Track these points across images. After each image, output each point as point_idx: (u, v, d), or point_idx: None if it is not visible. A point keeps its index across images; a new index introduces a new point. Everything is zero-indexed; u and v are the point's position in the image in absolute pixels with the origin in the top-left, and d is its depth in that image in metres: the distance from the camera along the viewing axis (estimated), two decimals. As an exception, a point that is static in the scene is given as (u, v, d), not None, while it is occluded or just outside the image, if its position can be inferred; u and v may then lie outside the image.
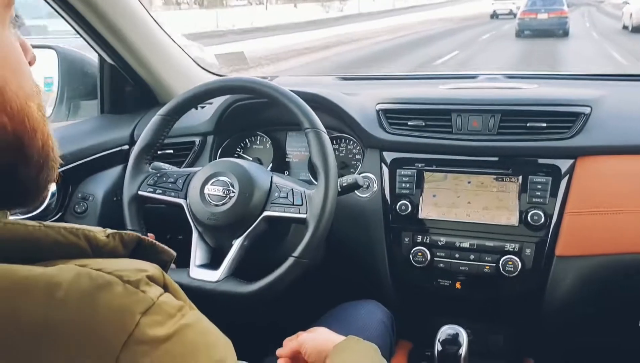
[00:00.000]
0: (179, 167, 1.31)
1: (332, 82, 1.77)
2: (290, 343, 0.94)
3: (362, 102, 1.40)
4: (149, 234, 1.13)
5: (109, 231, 0.50)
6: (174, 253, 0.56)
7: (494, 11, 27.58)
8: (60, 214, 1.34)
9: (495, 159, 1.26)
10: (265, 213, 1.08)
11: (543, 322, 1.30)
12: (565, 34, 16.60)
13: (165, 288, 0.47)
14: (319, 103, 1.32)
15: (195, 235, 1.14)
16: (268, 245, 1.15)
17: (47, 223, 0.47)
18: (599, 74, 1.65)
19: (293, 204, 1.07)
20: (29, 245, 0.44)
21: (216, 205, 1.10)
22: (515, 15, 24.50)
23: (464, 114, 1.28)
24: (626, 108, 1.30)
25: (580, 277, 1.20)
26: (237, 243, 1.09)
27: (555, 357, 1.42)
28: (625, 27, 17.47)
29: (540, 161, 1.23)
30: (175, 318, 0.44)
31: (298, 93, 1.14)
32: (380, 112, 1.35)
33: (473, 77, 1.65)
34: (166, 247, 0.55)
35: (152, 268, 0.47)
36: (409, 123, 1.31)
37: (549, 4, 17.23)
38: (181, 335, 0.44)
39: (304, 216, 1.05)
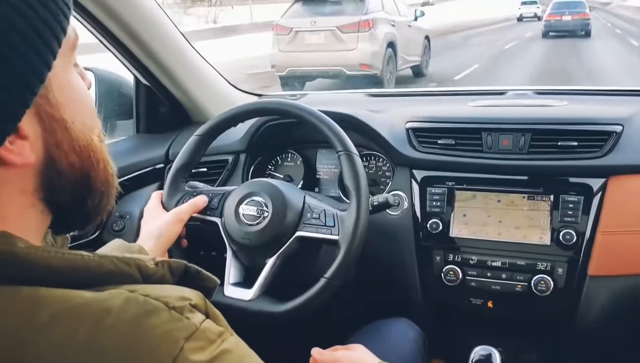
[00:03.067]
0: (213, 185, 1.34)
1: (360, 99, 1.79)
2: (327, 355, 0.95)
3: (391, 120, 1.41)
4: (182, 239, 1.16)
5: (158, 259, 0.53)
6: (218, 281, 0.58)
7: (521, 14, 30.04)
8: (98, 232, 1.37)
9: (526, 178, 1.26)
10: (298, 233, 1.10)
11: (575, 341, 1.29)
12: (588, 34, 17.95)
13: (207, 315, 0.49)
14: (349, 122, 1.34)
15: (229, 254, 1.16)
16: (300, 265, 1.17)
17: (101, 253, 0.49)
18: (630, 90, 1.63)
19: (325, 225, 1.08)
20: (84, 274, 0.47)
21: (250, 225, 1.12)
22: (540, 18, 26.94)
23: (494, 133, 1.29)
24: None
25: (613, 297, 1.19)
26: (269, 263, 1.11)
27: None
28: None
29: (572, 179, 1.23)
30: (216, 344, 0.46)
31: (328, 113, 1.16)
32: (410, 131, 1.36)
33: (502, 93, 1.65)
34: (211, 275, 0.57)
35: (195, 296, 0.49)
36: (439, 142, 1.32)
37: (573, 7, 18.77)
38: (221, 360, 0.45)
39: (335, 237, 1.06)
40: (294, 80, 8.82)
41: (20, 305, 0.43)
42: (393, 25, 9.02)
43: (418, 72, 10.35)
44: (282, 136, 1.49)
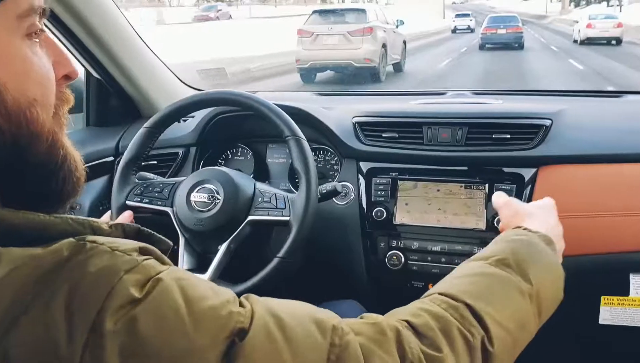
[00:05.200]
0: (164, 178, 1.36)
1: (310, 98, 1.85)
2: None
3: (339, 115, 1.48)
4: None
5: (111, 222, 0.55)
6: (171, 243, 0.60)
7: (455, 27, 32.02)
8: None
9: (464, 168, 1.34)
10: (250, 217, 1.14)
11: None
12: (521, 47, 19.34)
13: (162, 262, 0.51)
14: (299, 116, 1.39)
15: (182, 242, 1.18)
16: (253, 249, 1.21)
17: (57, 214, 0.51)
18: (560, 91, 1.76)
19: (276, 207, 1.13)
20: (41, 232, 0.48)
21: (202, 211, 1.15)
22: (472, 30, 30.15)
23: (434, 127, 1.37)
24: (584, 121, 1.40)
25: None
26: (223, 247, 1.14)
27: (521, 357, 1.49)
28: (575, 41, 21.27)
29: (505, 169, 1.32)
30: (156, 277, 0.48)
31: (279, 106, 1.21)
32: (356, 124, 1.43)
33: (442, 93, 1.75)
34: (163, 237, 0.59)
35: (147, 246, 0.52)
36: (383, 135, 1.40)
37: (507, 21, 20.46)
38: (159, 289, 0.47)
39: (287, 218, 1.11)
40: (311, 71, 11.87)
41: None
42: (385, 31, 12.20)
43: (398, 69, 13.29)
44: (232, 130, 1.52)
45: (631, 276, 1.25)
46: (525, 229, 0.82)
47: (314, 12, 12.72)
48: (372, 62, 11.45)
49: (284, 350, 0.50)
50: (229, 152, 1.57)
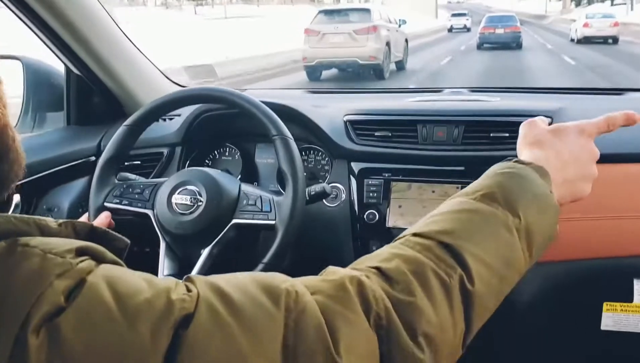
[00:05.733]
0: (147, 178, 1.31)
1: (300, 95, 1.80)
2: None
3: (330, 113, 1.42)
4: None
5: (61, 220, 0.50)
6: (128, 241, 0.56)
7: (451, 26, 32.93)
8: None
9: (460, 168, 1.29)
10: (234, 221, 1.09)
11: (507, 327, 1.32)
12: (519, 46, 19.63)
13: (103, 261, 0.47)
14: (288, 114, 1.33)
15: (162, 245, 1.13)
16: (238, 253, 1.15)
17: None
18: (560, 88, 1.71)
19: (262, 211, 1.08)
20: None
21: (184, 214, 1.10)
22: (469, 29, 31.15)
23: (429, 125, 1.32)
24: (584, 119, 1.35)
25: (542, 283, 1.23)
26: (205, 252, 1.09)
27: (525, 361, 1.45)
28: (572, 40, 21.74)
29: (504, 170, 1.26)
30: (83, 279, 0.44)
31: (266, 104, 1.16)
32: (347, 123, 1.37)
33: (438, 91, 1.69)
34: (119, 235, 0.55)
35: (90, 245, 0.48)
36: (376, 134, 1.34)
37: (505, 21, 20.63)
38: (84, 292, 0.43)
39: (272, 222, 1.06)
40: (317, 69, 12.49)
41: None
42: (388, 30, 12.85)
43: (400, 67, 13.88)
44: (219, 129, 1.47)
45: (635, 281, 1.20)
46: (516, 161, 0.73)
47: (320, 11, 13.37)
48: (377, 60, 12.08)
49: (234, 328, 0.45)
50: (216, 152, 1.51)
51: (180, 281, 0.49)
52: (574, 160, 0.76)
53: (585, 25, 20.81)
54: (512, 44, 19.62)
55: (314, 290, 0.52)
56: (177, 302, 0.44)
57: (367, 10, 12.97)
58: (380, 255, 0.61)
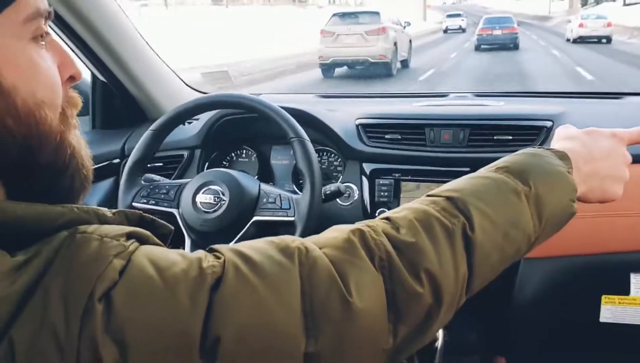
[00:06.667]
0: (170, 179, 1.38)
1: (313, 100, 1.87)
2: None
3: (342, 117, 1.49)
4: None
5: (115, 210, 0.57)
6: (172, 227, 0.62)
7: (446, 27, 33.16)
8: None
9: (466, 169, 1.35)
10: (255, 218, 1.16)
11: (512, 321, 1.39)
12: (516, 47, 19.96)
13: (147, 243, 0.53)
14: (303, 118, 1.40)
15: (188, 242, 1.20)
16: None
17: (62, 204, 0.53)
18: (561, 92, 1.78)
19: (281, 208, 1.15)
20: (46, 222, 0.50)
21: (207, 212, 1.17)
22: (464, 30, 31.39)
23: (436, 128, 1.39)
24: (585, 122, 1.38)
25: (546, 278, 1.30)
26: None
27: (526, 355, 1.51)
28: (567, 40, 22.35)
29: (507, 170, 1.33)
30: (130, 257, 0.49)
31: (283, 108, 1.23)
32: (359, 126, 1.44)
33: (444, 95, 1.76)
34: (164, 222, 0.61)
35: (139, 230, 0.53)
36: (386, 136, 1.41)
37: (502, 22, 21.04)
38: (130, 267, 0.48)
39: (292, 218, 1.13)
40: (331, 66, 13.66)
41: None
42: (395, 31, 13.99)
43: (405, 65, 14.99)
44: (237, 132, 1.54)
45: (632, 275, 1.26)
46: (540, 147, 0.77)
47: (334, 15, 14.59)
48: (386, 58, 13.22)
49: (257, 284, 0.51)
50: (233, 154, 1.59)
51: (206, 252, 0.55)
52: (603, 157, 0.79)
53: (581, 25, 21.49)
54: (510, 44, 19.94)
55: (321, 245, 0.58)
56: (208, 268, 0.51)
57: (377, 13, 14.00)
58: (394, 210, 0.67)
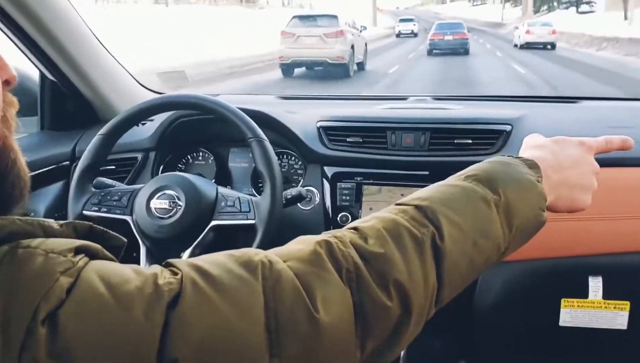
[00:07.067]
0: (122, 183, 1.32)
1: (273, 101, 1.84)
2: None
3: (303, 120, 1.47)
4: None
5: (62, 222, 0.53)
6: (125, 239, 0.59)
7: (399, 31, 34.29)
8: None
9: (427, 173, 1.35)
10: (214, 223, 1.12)
11: (475, 326, 1.39)
12: (466, 52, 20.89)
13: (97, 258, 0.50)
14: (262, 120, 1.37)
15: (143, 250, 1.15)
16: None
17: (3, 216, 0.49)
18: (519, 96, 1.80)
19: (241, 211, 1.11)
20: None
21: (162, 218, 1.12)
22: (416, 34, 32.69)
23: (397, 132, 1.38)
24: (543, 126, 1.42)
25: (506, 282, 1.30)
26: (186, 255, 1.11)
27: (489, 359, 1.51)
28: (515, 45, 23.51)
29: (468, 174, 1.33)
30: (78, 274, 0.47)
31: (242, 110, 1.19)
32: (320, 129, 1.42)
33: (403, 98, 1.75)
34: (116, 234, 0.58)
35: (89, 244, 0.51)
36: (348, 139, 1.39)
37: (454, 28, 21.94)
38: (79, 284, 0.46)
39: (252, 221, 1.09)
40: (291, 66, 14.21)
41: None
42: (352, 35, 14.57)
43: (361, 68, 15.48)
44: (193, 134, 1.50)
45: (590, 279, 1.28)
46: (509, 156, 0.76)
47: (294, 17, 15.13)
48: (344, 60, 13.80)
49: (217, 300, 0.49)
50: (189, 156, 1.54)
51: (162, 267, 0.53)
52: (572, 165, 0.79)
53: (527, 32, 22.69)
54: (460, 49, 20.73)
55: (286, 257, 0.56)
56: (165, 285, 0.48)
57: (335, 17, 14.60)
58: (362, 219, 0.65)
